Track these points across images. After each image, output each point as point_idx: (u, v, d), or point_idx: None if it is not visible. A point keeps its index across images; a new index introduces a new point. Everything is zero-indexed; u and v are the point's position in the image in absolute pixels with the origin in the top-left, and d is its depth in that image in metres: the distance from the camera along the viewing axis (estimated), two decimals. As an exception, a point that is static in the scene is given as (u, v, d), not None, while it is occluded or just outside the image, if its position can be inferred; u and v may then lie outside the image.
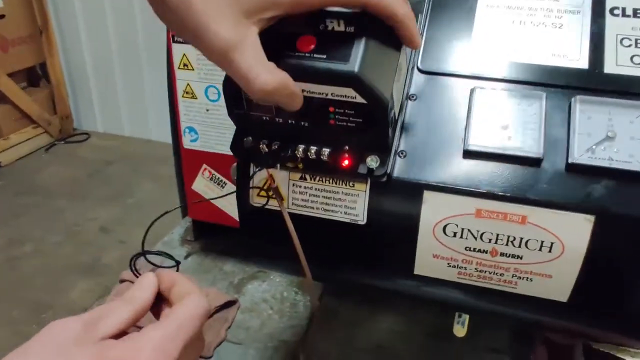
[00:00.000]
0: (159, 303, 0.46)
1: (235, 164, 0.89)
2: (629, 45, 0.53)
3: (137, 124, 3.04)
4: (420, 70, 0.56)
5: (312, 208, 0.55)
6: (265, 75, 0.42)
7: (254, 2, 0.42)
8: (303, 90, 0.45)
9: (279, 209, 0.55)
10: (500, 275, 0.53)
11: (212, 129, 0.97)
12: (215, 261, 1.07)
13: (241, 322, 0.91)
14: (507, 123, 0.51)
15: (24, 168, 2.78)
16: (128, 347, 0.39)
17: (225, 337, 0.87)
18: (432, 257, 0.53)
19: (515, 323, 0.83)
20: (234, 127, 0.94)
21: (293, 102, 0.45)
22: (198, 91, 0.94)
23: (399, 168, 0.52)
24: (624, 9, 0.55)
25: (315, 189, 0.54)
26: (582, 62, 0.53)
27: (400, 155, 0.52)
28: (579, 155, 0.48)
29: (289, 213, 0.55)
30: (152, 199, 2.44)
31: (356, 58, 0.43)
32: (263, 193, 0.55)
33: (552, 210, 0.48)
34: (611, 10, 0.55)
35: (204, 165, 1.01)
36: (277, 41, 0.44)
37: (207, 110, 0.95)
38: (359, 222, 0.54)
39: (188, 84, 0.94)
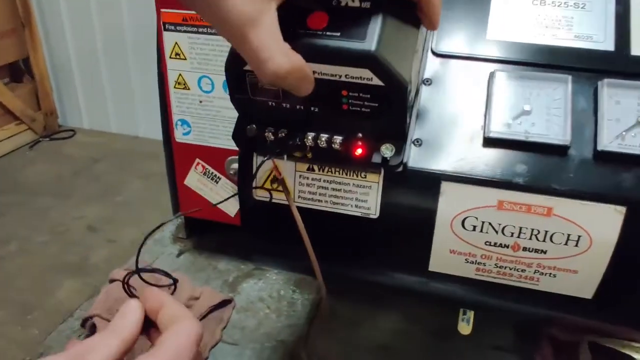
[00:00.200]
0: (148, 325, 0.43)
1: (230, 158, 0.85)
2: (656, 26, 0.50)
3: (124, 120, 3.00)
4: (434, 54, 0.52)
5: (320, 201, 0.52)
6: (280, 58, 0.38)
7: None
8: (314, 72, 0.42)
9: (284, 203, 0.51)
10: (522, 271, 0.49)
11: (206, 122, 0.93)
12: (209, 259, 1.04)
13: (237, 322, 0.88)
14: (529, 108, 0.47)
15: (7, 166, 2.73)
16: None
17: (220, 337, 0.84)
18: (448, 253, 0.50)
19: (533, 321, 0.81)
20: (229, 120, 0.91)
21: (304, 86, 0.41)
22: (191, 82, 0.91)
23: (414, 157, 0.49)
24: (649, -12, 0.52)
25: (324, 181, 0.51)
26: (607, 43, 0.50)
27: (416, 143, 0.49)
28: (608, 142, 0.45)
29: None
30: (141, 197, 2.40)
31: (373, 35, 0.40)
32: (268, 185, 0.51)
33: (579, 201, 0.46)
34: (636, -11, 0.52)
35: (197, 160, 0.97)
36: (286, 18, 0.40)
37: (201, 101, 0.91)
38: (371, 216, 0.50)
39: (180, 74, 0.91)
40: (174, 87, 0.92)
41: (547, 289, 0.50)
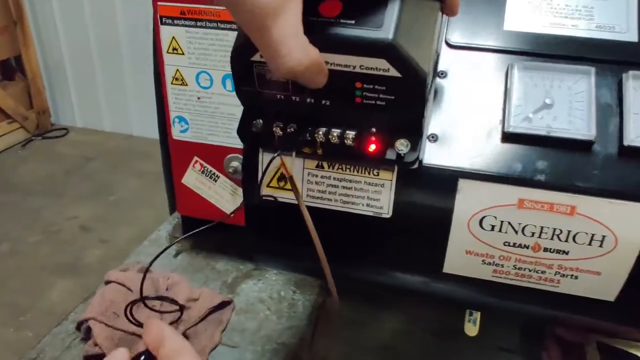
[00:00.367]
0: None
1: (229, 156, 0.83)
2: (681, 16, 0.48)
3: (117, 119, 2.97)
4: (449, 45, 0.50)
5: (330, 200, 0.49)
6: (298, 53, 0.36)
7: None
8: (326, 63, 0.39)
9: (291, 202, 0.48)
10: (542, 272, 0.47)
11: (204, 119, 0.90)
12: (207, 259, 1.01)
13: (236, 324, 0.86)
14: (551, 102, 0.45)
15: (-1, 165, 2.71)
16: None
17: (220, 340, 0.82)
18: (464, 254, 0.48)
19: (539, 321, 0.79)
20: (228, 117, 0.88)
21: (319, 79, 0.39)
22: (189, 77, 0.88)
23: (429, 153, 0.46)
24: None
25: (334, 179, 0.48)
26: (631, 34, 0.48)
27: (431, 139, 0.46)
28: (635, 136, 0.43)
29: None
30: (134, 197, 2.39)
31: (390, 23, 0.37)
32: (274, 184, 0.49)
33: (604, 199, 0.43)
34: (658, -22, 0.50)
35: (195, 158, 0.95)
36: None
37: (199, 98, 0.89)
38: (384, 216, 0.48)
39: (178, 70, 0.88)
40: (171, 83, 0.89)
41: (567, 291, 0.48)
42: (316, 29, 0.38)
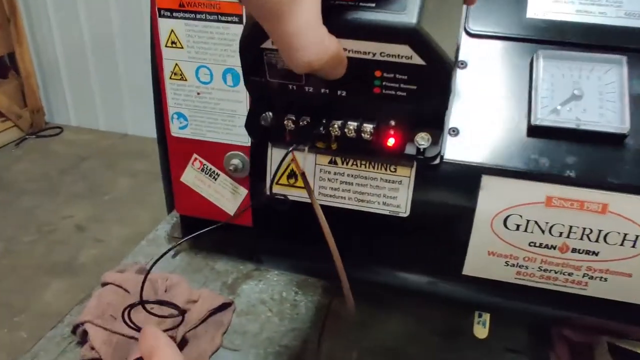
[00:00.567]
0: None
1: (229, 153, 0.80)
2: None
3: (112, 118, 2.96)
4: (468, 34, 0.47)
5: (344, 198, 0.46)
6: (316, 48, 0.33)
7: None
8: (343, 49, 0.36)
9: (301, 200, 0.45)
10: (569, 275, 0.45)
11: (204, 115, 0.88)
12: (206, 259, 1.00)
13: (238, 326, 0.84)
14: (580, 93, 0.42)
15: (-8, 164, 2.70)
16: None
17: (221, 343, 0.81)
18: (486, 255, 0.45)
19: (547, 322, 0.77)
20: (228, 113, 0.85)
21: (337, 70, 0.36)
22: (188, 72, 0.85)
23: (450, 148, 0.44)
24: None
25: (348, 175, 0.45)
26: (662, 21, 0.45)
27: (452, 133, 0.44)
28: (671, 130, 0.41)
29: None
30: (129, 196, 2.37)
31: (414, 6, 0.34)
32: (284, 181, 0.46)
33: (638, 196, 0.41)
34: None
35: (194, 155, 0.93)
36: None
37: (198, 93, 0.86)
38: (401, 215, 0.45)
39: (176, 64, 0.85)
40: (170, 78, 0.87)
41: (595, 294, 0.45)
42: (333, 12, 0.35)
